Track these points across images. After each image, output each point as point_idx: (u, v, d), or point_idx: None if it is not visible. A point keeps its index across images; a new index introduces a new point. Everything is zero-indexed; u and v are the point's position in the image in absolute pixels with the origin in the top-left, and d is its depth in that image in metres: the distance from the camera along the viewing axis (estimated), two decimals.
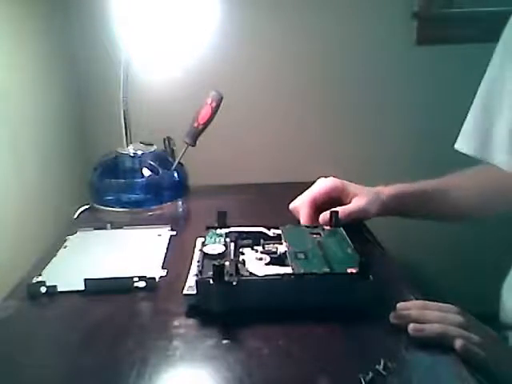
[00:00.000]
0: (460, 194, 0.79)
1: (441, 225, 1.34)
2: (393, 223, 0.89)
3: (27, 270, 0.68)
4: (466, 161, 0.77)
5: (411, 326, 0.51)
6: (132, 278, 0.62)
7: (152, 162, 0.91)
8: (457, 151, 0.78)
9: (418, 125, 1.32)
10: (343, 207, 0.74)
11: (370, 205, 0.75)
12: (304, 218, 0.75)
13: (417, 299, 0.57)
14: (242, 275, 0.56)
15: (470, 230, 1.30)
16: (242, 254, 0.63)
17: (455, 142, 0.79)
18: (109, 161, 0.93)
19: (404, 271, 0.66)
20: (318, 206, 0.76)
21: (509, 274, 0.74)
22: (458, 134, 0.79)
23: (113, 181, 0.90)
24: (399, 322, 0.53)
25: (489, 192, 0.78)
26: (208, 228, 0.69)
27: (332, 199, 0.77)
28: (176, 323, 0.55)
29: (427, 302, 0.56)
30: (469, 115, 0.77)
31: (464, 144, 0.77)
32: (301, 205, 0.77)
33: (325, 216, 0.72)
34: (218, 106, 0.89)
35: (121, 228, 0.81)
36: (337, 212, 0.71)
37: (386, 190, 0.77)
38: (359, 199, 0.76)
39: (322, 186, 0.77)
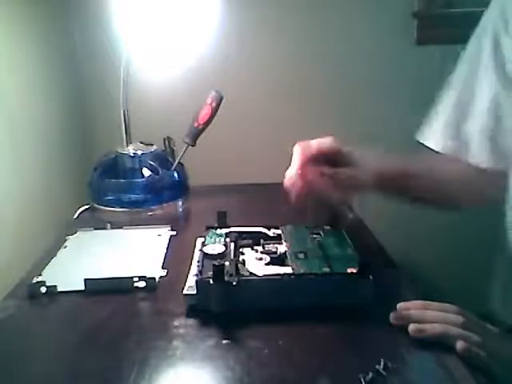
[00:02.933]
0: (439, 179, 0.74)
1: (441, 225, 1.34)
2: (393, 223, 0.89)
3: (27, 270, 0.68)
4: None
5: (412, 327, 0.51)
6: (132, 277, 0.62)
7: (152, 162, 0.91)
8: None
9: (417, 124, 1.32)
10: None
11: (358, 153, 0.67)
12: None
13: (417, 299, 0.57)
14: (242, 275, 0.56)
15: (470, 230, 1.30)
16: (242, 253, 0.63)
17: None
18: (109, 161, 0.93)
19: (404, 271, 0.66)
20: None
21: (494, 281, 0.74)
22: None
23: (113, 181, 0.90)
24: (400, 322, 0.53)
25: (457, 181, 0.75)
26: (208, 228, 0.70)
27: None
28: (176, 323, 0.55)
29: (427, 301, 0.56)
30: (437, 111, 0.77)
31: (432, 140, 0.76)
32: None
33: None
34: (217, 106, 0.89)
35: (121, 228, 0.81)
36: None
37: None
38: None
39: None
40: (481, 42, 0.72)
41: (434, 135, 0.77)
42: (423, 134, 0.79)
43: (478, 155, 0.72)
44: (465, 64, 0.74)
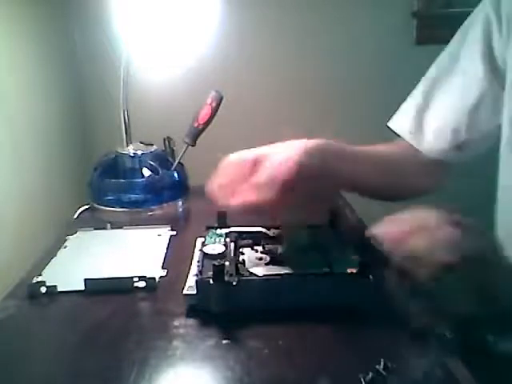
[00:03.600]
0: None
1: None
2: None
3: (27, 270, 0.68)
4: None
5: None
6: (132, 277, 0.62)
7: (152, 162, 0.91)
8: None
9: None
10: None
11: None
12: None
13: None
14: (242, 275, 0.56)
15: None
16: (242, 254, 0.63)
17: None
18: (109, 161, 0.93)
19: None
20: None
21: None
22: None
23: (113, 181, 0.90)
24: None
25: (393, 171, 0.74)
26: (208, 228, 0.69)
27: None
28: (176, 323, 0.55)
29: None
30: (410, 97, 0.77)
31: (398, 124, 0.77)
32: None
33: None
34: (217, 106, 0.89)
35: (121, 228, 0.81)
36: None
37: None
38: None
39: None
40: (467, 36, 0.72)
41: (400, 120, 0.78)
42: (393, 120, 0.79)
43: (434, 146, 0.73)
44: (445, 56, 0.75)
